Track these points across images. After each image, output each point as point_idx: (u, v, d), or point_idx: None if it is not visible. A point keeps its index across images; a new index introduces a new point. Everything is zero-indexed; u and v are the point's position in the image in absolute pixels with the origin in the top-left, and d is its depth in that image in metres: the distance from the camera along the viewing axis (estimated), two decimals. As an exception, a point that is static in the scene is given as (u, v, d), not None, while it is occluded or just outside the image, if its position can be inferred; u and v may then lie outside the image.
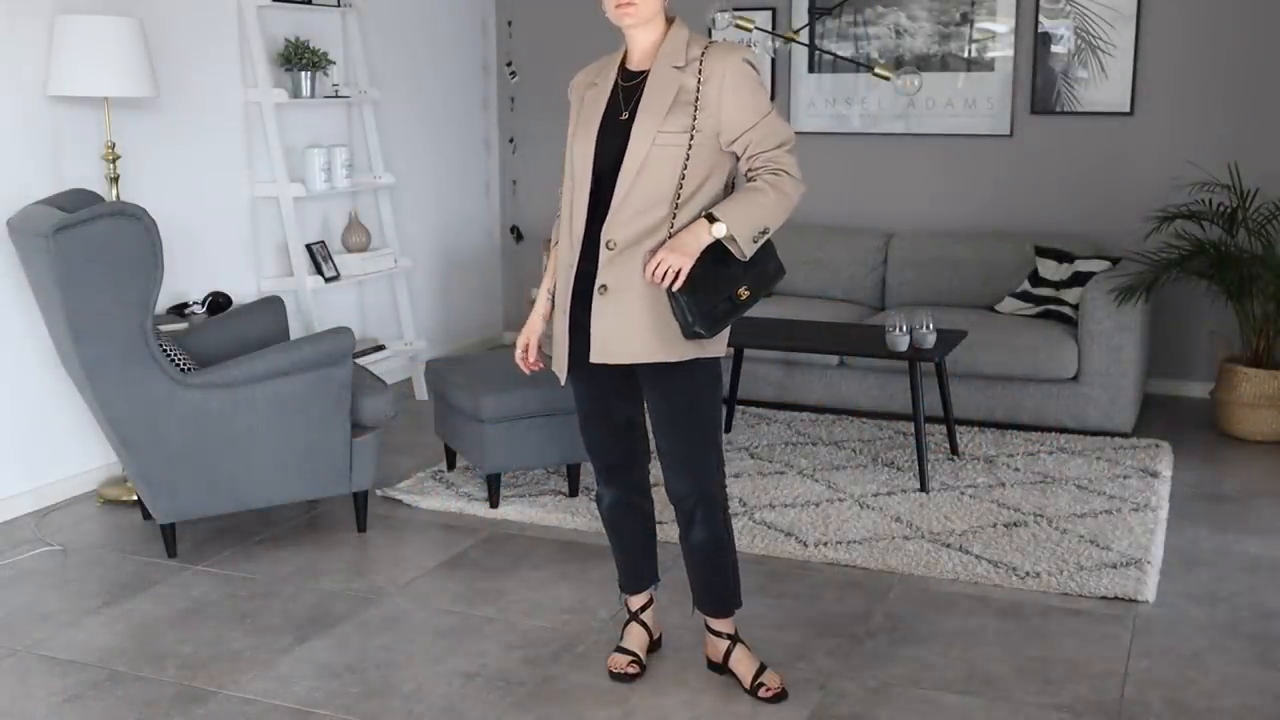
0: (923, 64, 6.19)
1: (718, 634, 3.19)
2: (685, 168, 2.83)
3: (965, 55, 6.17)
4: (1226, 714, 3.02)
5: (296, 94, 5.46)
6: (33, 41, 4.41)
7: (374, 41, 6.14)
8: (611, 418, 3.10)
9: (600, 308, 2.89)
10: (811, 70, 6.48)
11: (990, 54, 6.12)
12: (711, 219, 2.80)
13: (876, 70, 5.14)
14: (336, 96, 5.69)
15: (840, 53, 6.26)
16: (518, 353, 3.20)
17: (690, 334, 2.84)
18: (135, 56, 4.36)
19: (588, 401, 3.10)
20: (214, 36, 5.20)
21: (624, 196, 2.85)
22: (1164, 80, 5.87)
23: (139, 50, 4.37)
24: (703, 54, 2.86)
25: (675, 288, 2.78)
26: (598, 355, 2.92)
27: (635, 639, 3.30)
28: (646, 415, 3.11)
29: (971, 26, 6.15)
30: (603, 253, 2.88)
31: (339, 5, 5.83)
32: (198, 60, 5.12)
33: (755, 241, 2.83)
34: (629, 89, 2.92)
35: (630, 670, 3.22)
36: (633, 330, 2.88)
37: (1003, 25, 6.08)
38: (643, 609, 3.33)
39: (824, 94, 6.45)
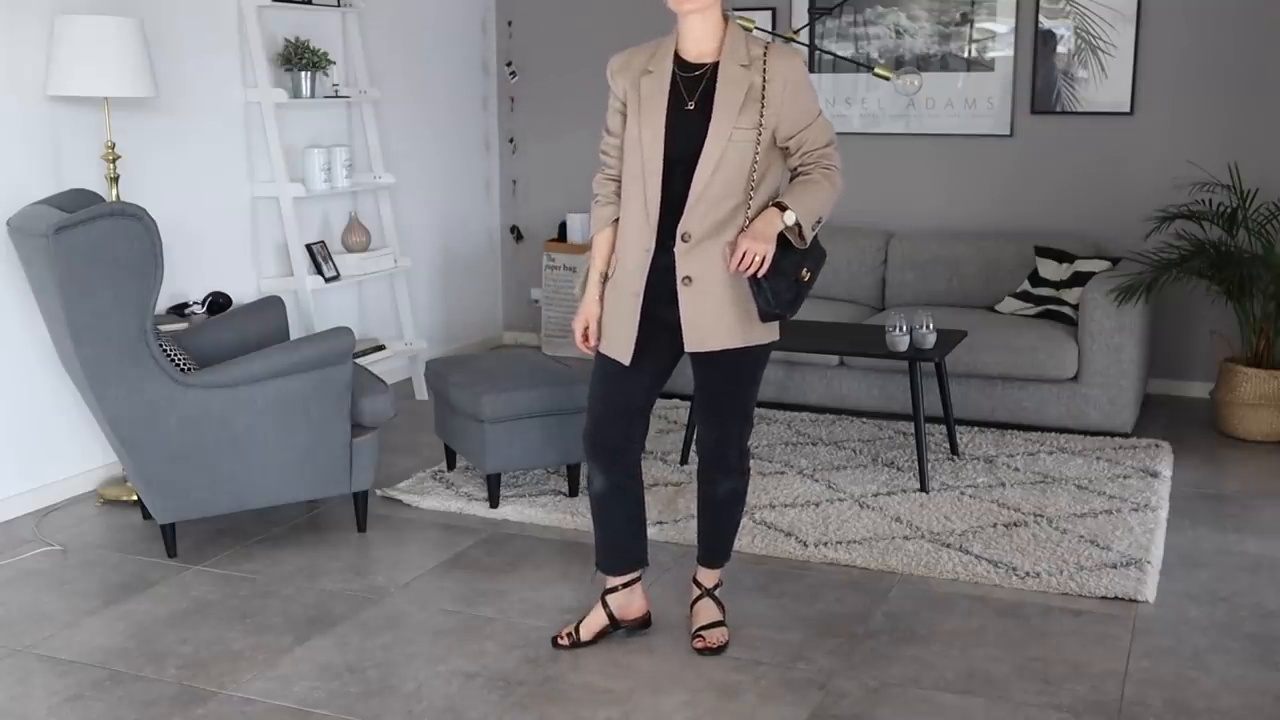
0: (923, 64, 6.19)
1: (698, 585, 3.42)
2: (755, 161, 3.01)
3: (965, 55, 6.17)
4: (1226, 714, 3.02)
5: (296, 94, 5.46)
6: (33, 41, 4.41)
7: (374, 41, 6.14)
8: (633, 402, 3.21)
9: (688, 299, 3.06)
10: (811, 70, 6.47)
11: (990, 54, 6.12)
12: (782, 208, 2.99)
13: (876, 70, 5.14)
14: (336, 96, 5.69)
15: (840, 53, 6.26)
16: (578, 336, 3.28)
17: (769, 316, 3.07)
18: (135, 56, 4.36)
19: (616, 384, 3.19)
20: (214, 36, 5.20)
21: (701, 191, 3.00)
22: (1164, 80, 5.87)
23: (139, 50, 4.37)
24: (765, 53, 3.02)
25: (762, 274, 2.97)
26: (693, 345, 3.10)
27: (591, 619, 3.38)
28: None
29: (971, 26, 6.15)
30: (679, 245, 3.03)
31: (339, 5, 5.83)
32: (198, 60, 5.12)
33: (814, 229, 3.04)
34: (689, 80, 3.04)
35: (561, 641, 3.36)
36: (721, 318, 3.07)
37: (1003, 25, 6.09)
38: (611, 590, 3.37)
39: (824, 94, 6.45)
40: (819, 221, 3.05)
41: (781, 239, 3.00)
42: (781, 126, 3.03)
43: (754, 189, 3.02)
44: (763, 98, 2.98)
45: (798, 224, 2.99)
